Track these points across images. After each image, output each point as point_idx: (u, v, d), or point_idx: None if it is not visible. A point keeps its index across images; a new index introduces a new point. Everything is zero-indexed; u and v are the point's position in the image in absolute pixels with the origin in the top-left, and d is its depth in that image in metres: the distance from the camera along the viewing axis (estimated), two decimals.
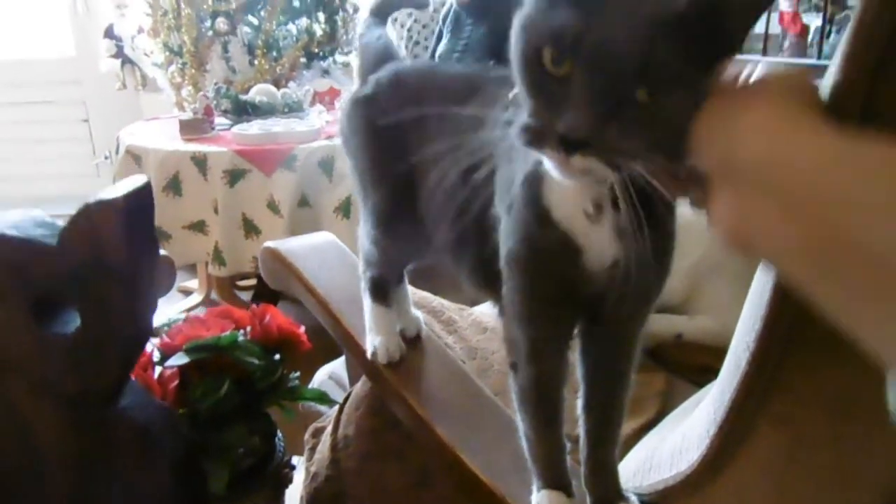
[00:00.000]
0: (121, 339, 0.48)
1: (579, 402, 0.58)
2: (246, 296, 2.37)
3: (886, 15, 0.30)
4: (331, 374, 1.15)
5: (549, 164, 0.40)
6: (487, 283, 0.59)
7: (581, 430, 0.58)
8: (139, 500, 0.52)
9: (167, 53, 2.76)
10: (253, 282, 2.38)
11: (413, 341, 0.79)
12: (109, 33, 3.02)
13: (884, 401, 0.31)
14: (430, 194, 0.61)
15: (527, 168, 0.48)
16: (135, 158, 2.02)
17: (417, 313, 0.82)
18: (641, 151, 0.37)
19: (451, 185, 0.56)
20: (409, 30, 3.52)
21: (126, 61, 3.29)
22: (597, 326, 0.55)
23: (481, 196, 0.54)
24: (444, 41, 2.85)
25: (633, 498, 0.57)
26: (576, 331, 0.56)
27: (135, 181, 0.45)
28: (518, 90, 0.42)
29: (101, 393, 0.50)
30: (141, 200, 0.45)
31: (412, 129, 0.63)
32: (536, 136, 0.38)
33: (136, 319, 0.48)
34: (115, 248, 0.43)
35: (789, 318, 0.38)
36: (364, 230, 0.73)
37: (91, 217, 0.44)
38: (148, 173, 1.96)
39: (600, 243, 0.46)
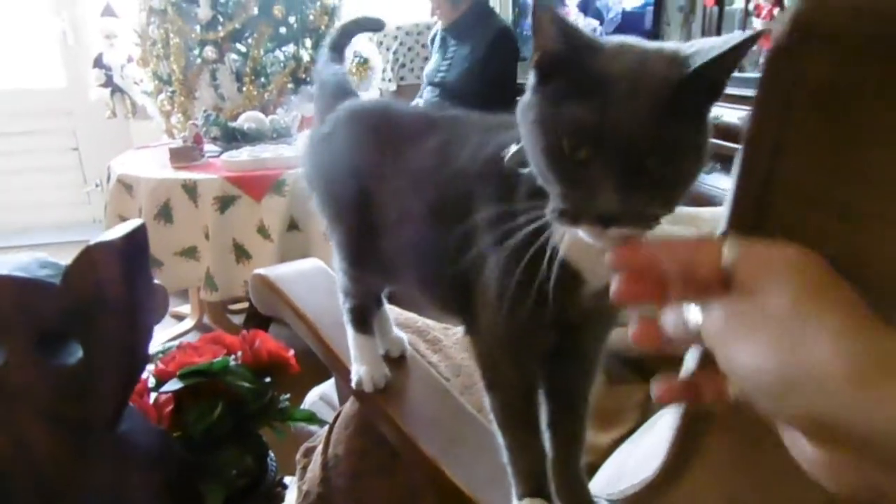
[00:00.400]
0: (119, 369, 0.52)
1: (544, 419, 0.61)
2: (238, 319, 2.39)
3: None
4: (321, 396, 1.18)
5: (585, 234, 0.43)
6: (454, 306, 0.62)
7: (548, 445, 0.62)
8: None
9: (156, 82, 2.80)
10: (245, 305, 2.41)
11: (398, 361, 0.83)
12: (99, 63, 3.06)
13: None
14: (395, 226, 0.65)
15: (533, 214, 0.49)
16: (126, 187, 2.06)
17: (401, 334, 0.85)
18: (663, 209, 0.42)
19: (417, 216, 0.60)
20: (394, 52, 3.60)
21: (116, 90, 3.33)
22: (569, 347, 0.58)
23: (454, 226, 0.58)
24: (432, 60, 2.93)
25: (604, 502, 0.60)
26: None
27: (131, 224, 0.49)
28: (537, 172, 0.45)
29: (102, 419, 0.53)
30: (137, 241, 0.49)
31: (370, 165, 0.66)
32: (573, 218, 0.42)
33: (133, 350, 0.51)
34: (114, 285, 0.47)
35: None
36: (336, 263, 0.76)
37: (92, 257, 0.48)
38: (139, 201, 2.00)
39: (601, 274, 0.50)
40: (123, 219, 2.04)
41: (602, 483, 0.66)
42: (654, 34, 3.05)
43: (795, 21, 0.32)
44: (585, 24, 3.27)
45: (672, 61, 0.41)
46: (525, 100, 0.46)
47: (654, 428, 0.62)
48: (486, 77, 2.78)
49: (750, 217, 0.36)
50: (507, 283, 0.54)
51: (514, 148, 0.51)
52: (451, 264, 0.59)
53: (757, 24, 2.29)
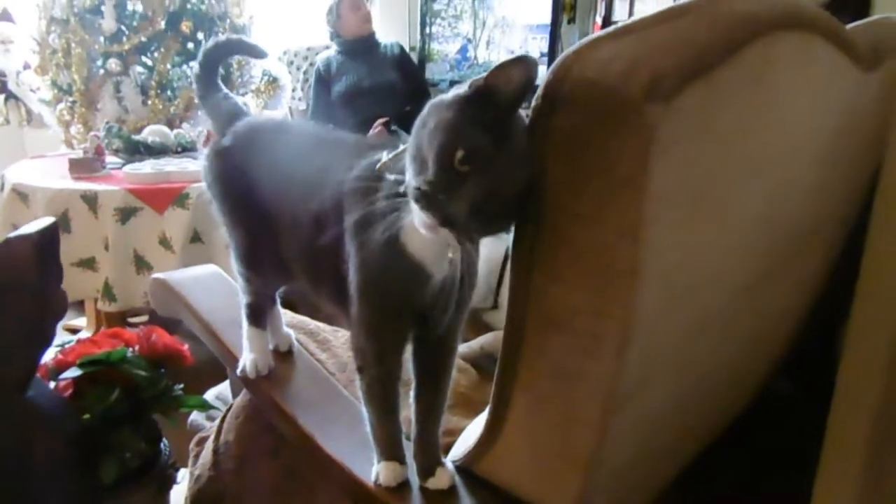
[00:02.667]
0: (30, 339, 0.60)
1: (412, 393, 0.74)
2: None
3: None
4: (218, 395, 1.26)
5: (417, 217, 0.53)
6: (339, 304, 0.73)
7: (412, 414, 0.74)
8: (45, 472, 0.62)
9: (55, 91, 2.74)
10: (145, 318, 2.39)
11: (285, 355, 0.93)
12: None
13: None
14: (286, 233, 0.75)
15: (388, 218, 0.59)
16: (21, 196, 2.02)
17: (289, 331, 0.96)
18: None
19: (303, 225, 0.71)
20: (304, 72, 3.68)
21: (10, 97, 3.22)
22: (427, 333, 0.71)
23: (331, 233, 0.69)
24: (342, 81, 3.04)
25: (449, 464, 0.73)
26: (411, 338, 0.72)
27: (44, 221, 0.58)
28: (420, 154, 0.54)
29: (13, 382, 0.61)
30: (50, 235, 0.58)
31: (267, 176, 0.76)
32: (426, 206, 0.52)
33: (42, 324, 0.59)
34: (29, 270, 0.55)
35: (524, 304, 0.56)
36: (234, 265, 0.86)
37: (11, 247, 0.56)
38: (35, 211, 1.97)
39: (443, 269, 0.62)
40: (17, 227, 2.00)
41: (457, 453, 0.78)
42: (550, 66, 3.30)
43: (545, 88, 0.47)
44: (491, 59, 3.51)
45: None
46: (444, 102, 0.55)
47: None
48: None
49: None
50: (367, 279, 0.65)
51: (385, 157, 0.63)
52: (331, 265, 0.70)
53: None
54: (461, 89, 0.54)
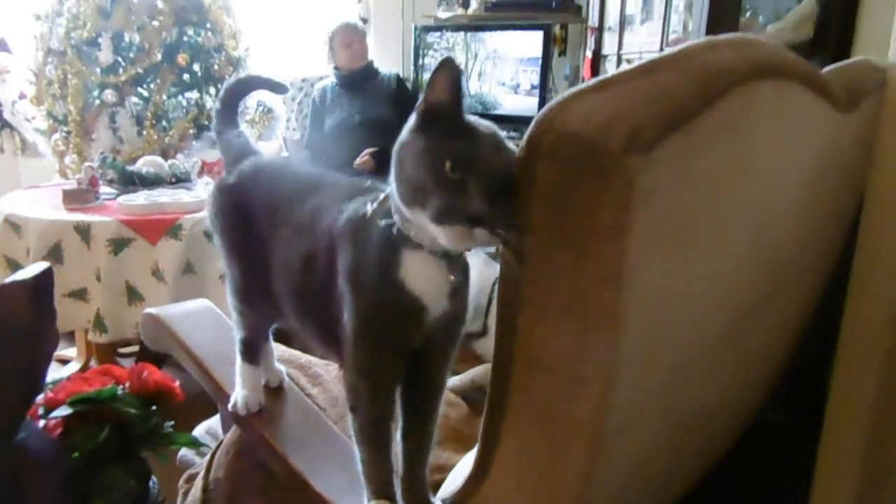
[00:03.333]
0: (21, 383, 0.60)
1: (399, 432, 0.74)
2: (128, 362, 2.36)
3: None
4: (208, 430, 1.25)
5: (453, 238, 0.55)
6: (330, 344, 0.74)
7: (400, 453, 0.74)
8: None
9: (51, 121, 2.76)
10: (135, 348, 2.39)
11: (276, 391, 0.93)
12: None
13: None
14: (280, 272, 0.76)
15: (382, 256, 0.62)
16: (13, 227, 2.02)
17: (280, 367, 0.96)
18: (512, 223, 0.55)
19: (296, 266, 0.72)
20: (299, 103, 3.72)
21: (5, 126, 3.24)
22: (418, 372, 0.71)
23: (323, 275, 0.70)
24: (334, 114, 3.08)
25: (438, 502, 0.73)
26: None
27: (40, 266, 0.59)
28: (417, 189, 0.57)
29: (3, 427, 0.61)
30: (45, 280, 0.58)
31: (265, 215, 0.78)
32: (451, 218, 0.55)
33: (33, 369, 0.60)
34: (22, 316, 0.56)
35: (511, 350, 0.57)
36: (229, 300, 0.87)
37: (6, 292, 0.57)
38: (28, 242, 1.97)
39: (442, 304, 0.64)
40: (9, 259, 2.00)
41: (445, 490, 0.78)
42: (542, 99, 3.37)
43: (528, 140, 0.48)
44: (482, 88, 3.56)
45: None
46: (406, 139, 0.59)
47: None
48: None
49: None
50: (365, 320, 0.66)
51: (373, 206, 0.65)
52: (323, 306, 0.71)
53: None
54: (411, 122, 0.60)
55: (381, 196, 0.64)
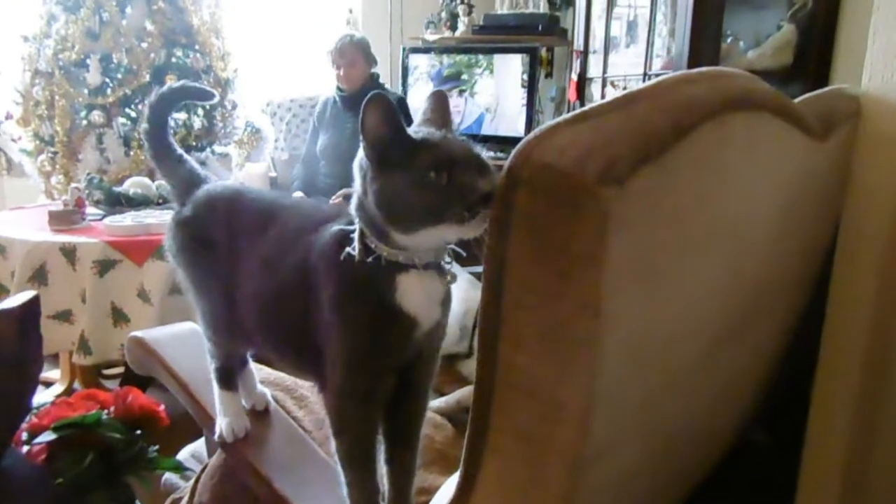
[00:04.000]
0: (6, 411, 0.60)
1: (383, 456, 0.74)
2: (112, 384, 2.33)
3: None
4: (192, 453, 1.24)
5: (476, 226, 0.58)
6: (306, 368, 0.75)
7: (386, 477, 0.74)
8: None
9: (37, 142, 2.76)
10: (120, 370, 2.36)
11: (261, 414, 0.93)
12: None
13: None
14: (250, 302, 0.76)
15: (376, 287, 0.64)
16: None
17: (264, 390, 0.96)
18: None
19: (267, 296, 0.72)
20: (287, 123, 3.74)
21: None
22: (403, 389, 0.72)
23: (298, 306, 0.70)
24: (329, 133, 3.07)
25: None
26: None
27: (27, 294, 0.60)
28: (423, 213, 0.60)
29: None
30: (31, 309, 0.59)
31: (228, 247, 0.77)
32: (468, 208, 0.58)
33: (19, 396, 0.60)
34: (9, 344, 0.56)
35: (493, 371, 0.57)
36: (201, 329, 0.86)
37: None
38: (12, 263, 1.96)
39: (434, 313, 0.66)
40: None
41: None
42: (528, 119, 3.41)
43: (508, 171, 0.50)
44: (470, 110, 3.60)
45: None
46: (377, 187, 0.61)
47: None
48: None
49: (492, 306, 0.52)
50: (358, 346, 0.67)
51: (353, 249, 0.65)
52: (300, 334, 0.71)
53: None
54: (367, 171, 0.62)
55: (355, 236, 0.65)
